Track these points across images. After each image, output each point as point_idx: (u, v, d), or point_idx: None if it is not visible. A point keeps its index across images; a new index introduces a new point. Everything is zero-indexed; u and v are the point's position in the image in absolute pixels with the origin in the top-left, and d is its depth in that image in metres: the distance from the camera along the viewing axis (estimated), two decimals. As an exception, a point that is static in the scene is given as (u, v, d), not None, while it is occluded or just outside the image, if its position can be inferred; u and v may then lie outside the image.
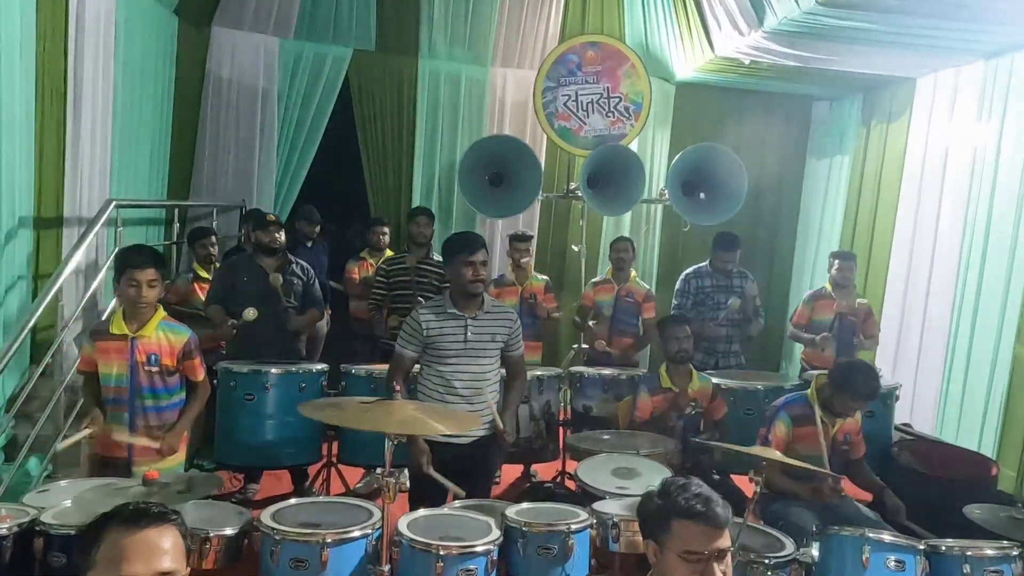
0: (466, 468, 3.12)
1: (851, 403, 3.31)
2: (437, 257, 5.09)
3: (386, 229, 5.95)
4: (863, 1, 4.55)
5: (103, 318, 3.31)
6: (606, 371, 4.68)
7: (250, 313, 4.12)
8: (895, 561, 2.53)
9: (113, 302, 4.15)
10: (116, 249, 4.78)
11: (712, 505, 1.74)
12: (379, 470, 2.38)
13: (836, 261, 5.24)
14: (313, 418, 2.41)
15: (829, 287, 5.22)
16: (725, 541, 1.74)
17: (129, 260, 3.12)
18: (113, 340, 3.12)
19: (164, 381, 3.19)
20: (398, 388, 2.42)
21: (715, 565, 1.70)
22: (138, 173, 5.46)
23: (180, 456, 3.30)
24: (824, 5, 4.56)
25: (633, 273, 5.38)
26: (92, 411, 3.12)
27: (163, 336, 3.19)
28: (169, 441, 3.15)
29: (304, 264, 4.61)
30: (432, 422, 2.37)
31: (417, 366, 3.30)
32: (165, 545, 1.42)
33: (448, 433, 2.62)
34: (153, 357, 3.15)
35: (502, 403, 3.34)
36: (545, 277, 5.56)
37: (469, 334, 3.13)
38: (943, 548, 2.59)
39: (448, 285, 4.85)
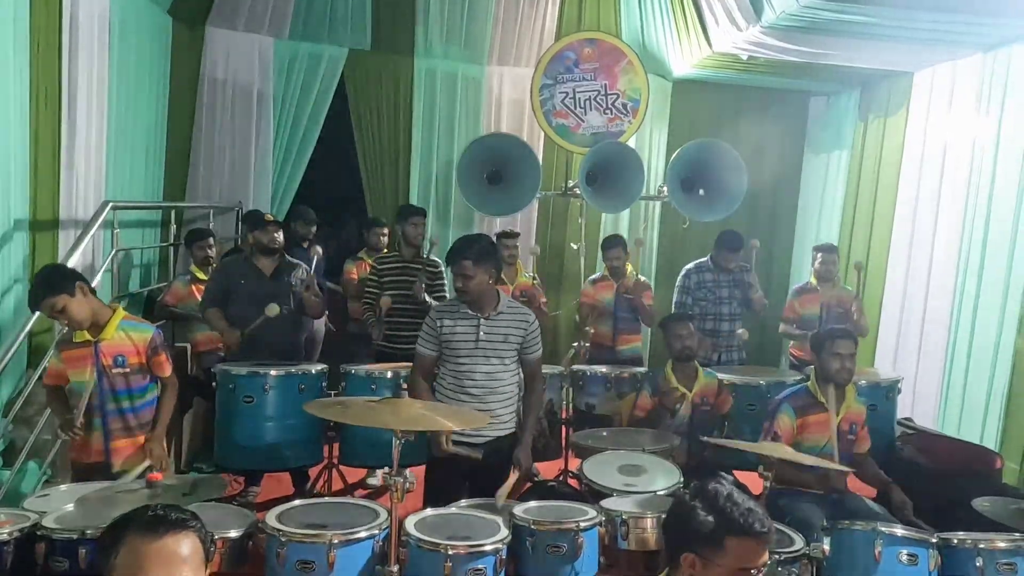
0: (481, 468, 3.09)
1: (836, 352, 3.31)
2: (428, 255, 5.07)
3: (385, 230, 5.92)
4: (861, -6, 4.55)
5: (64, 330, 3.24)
6: (608, 369, 4.66)
7: (273, 309, 4.10)
8: (907, 555, 2.52)
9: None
10: (113, 251, 4.78)
11: (766, 522, 1.70)
12: (386, 470, 2.33)
13: (819, 254, 5.27)
14: (319, 416, 2.37)
15: (814, 280, 5.24)
16: (768, 552, 1.73)
17: (29, 299, 3.04)
18: (77, 348, 3.07)
19: (135, 381, 3.15)
20: (404, 387, 2.41)
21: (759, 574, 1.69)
22: (133, 175, 5.42)
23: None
24: (822, -2, 4.56)
25: (629, 268, 5.37)
26: (65, 420, 3.05)
27: (125, 336, 3.13)
28: (155, 449, 3.11)
29: (301, 264, 4.57)
30: (439, 418, 2.34)
31: None
32: (184, 552, 1.39)
33: (456, 429, 2.59)
34: (120, 359, 3.11)
35: (522, 416, 3.32)
36: (532, 273, 5.55)
37: (481, 334, 3.13)
38: (955, 541, 2.57)
39: (439, 283, 4.90)
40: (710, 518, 1.71)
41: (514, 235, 5.59)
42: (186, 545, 1.39)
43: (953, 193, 5.68)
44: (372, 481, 4.80)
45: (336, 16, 6.55)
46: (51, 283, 2.98)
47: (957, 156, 5.67)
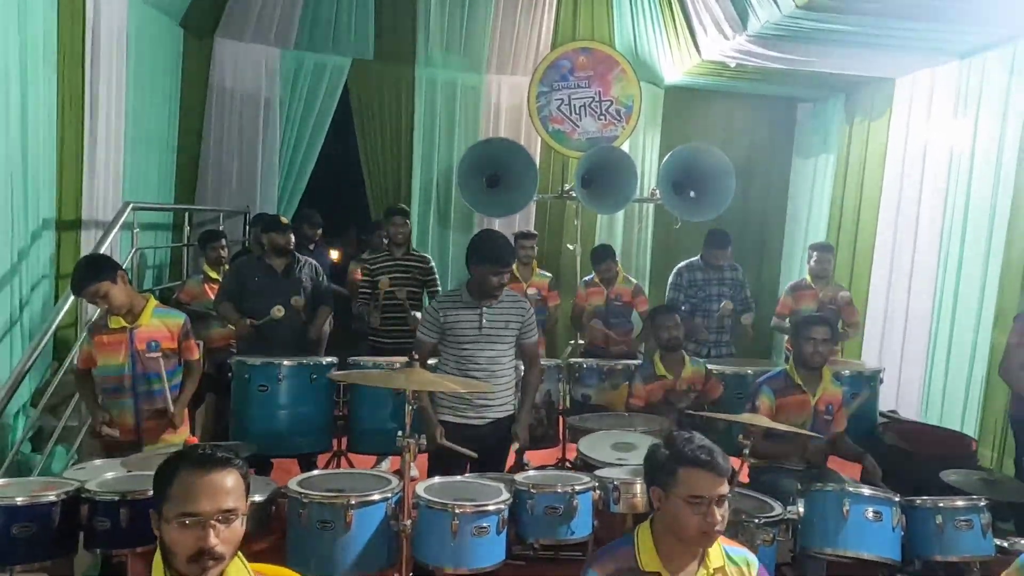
0: (482, 448, 3.27)
1: (811, 337, 3.52)
2: (418, 252, 5.31)
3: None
4: (841, 4, 4.76)
5: (96, 316, 3.48)
6: (603, 361, 4.89)
7: (277, 311, 4.34)
8: (873, 512, 2.75)
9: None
10: (133, 250, 5.01)
11: (715, 455, 1.93)
12: (400, 433, 2.56)
13: (814, 253, 5.46)
14: (341, 381, 2.59)
15: (809, 278, 5.45)
16: (725, 487, 1.93)
17: (72, 286, 3.31)
18: (112, 334, 3.30)
19: (166, 364, 3.37)
20: (416, 356, 2.63)
21: (715, 508, 1.89)
22: (148, 179, 5.67)
23: (184, 431, 3.50)
24: (804, 8, 4.78)
25: (620, 272, 5.60)
26: (95, 413, 3.29)
27: (160, 322, 3.38)
28: (178, 413, 3.37)
29: (312, 262, 4.81)
30: (449, 383, 2.57)
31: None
32: (228, 485, 1.60)
33: (464, 392, 2.80)
34: (153, 344, 3.34)
35: (520, 394, 3.54)
36: (549, 274, 5.76)
37: (484, 321, 3.32)
38: (918, 502, 2.80)
39: (431, 278, 5.13)
40: (666, 452, 1.99)
41: (532, 235, 5.77)
42: (230, 479, 1.61)
43: (933, 194, 5.90)
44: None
45: (340, 27, 6.81)
46: (94, 270, 3.23)
47: (936, 158, 5.90)
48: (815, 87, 7.03)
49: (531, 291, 5.45)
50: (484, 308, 3.34)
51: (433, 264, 5.22)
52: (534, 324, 3.50)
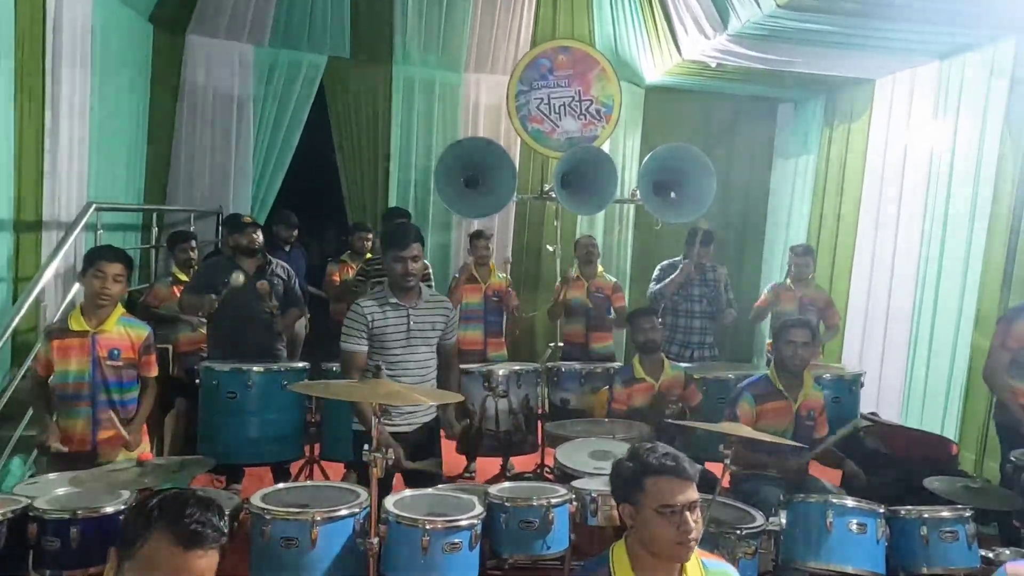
0: (413, 454, 3.12)
1: (790, 340, 3.47)
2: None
3: (370, 234, 6.03)
4: (822, 4, 4.73)
5: (56, 319, 3.34)
6: (582, 365, 4.80)
7: (238, 278, 4.19)
8: (857, 524, 2.68)
9: (70, 296, 4.19)
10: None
11: (680, 461, 1.86)
12: (366, 447, 2.44)
13: (794, 255, 5.44)
14: (303, 392, 2.48)
15: (789, 280, 5.42)
16: (694, 493, 1.85)
17: (100, 253, 3.22)
18: (73, 337, 3.16)
19: (126, 375, 3.25)
20: (382, 367, 2.52)
21: (687, 515, 1.81)
22: (115, 178, 5.51)
23: (144, 447, 3.34)
24: (784, 8, 4.74)
25: (600, 268, 5.52)
26: (47, 425, 3.15)
27: (124, 331, 3.25)
28: (135, 436, 3.24)
29: (284, 265, 4.67)
30: (417, 395, 2.47)
31: None
32: (202, 567, 1.40)
33: (430, 404, 2.69)
34: (115, 352, 3.21)
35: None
36: (505, 275, 5.66)
37: (412, 323, 3.16)
38: (903, 512, 2.74)
39: (428, 284, 5.02)
40: (631, 464, 1.91)
41: (487, 236, 5.70)
42: (206, 561, 1.41)
43: (913, 195, 5.89)
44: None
45: (315, 24, 6.67)
46: (130, 264, 3.23)
47: (917, 158, 5.89)
48: (796, 88, 7.00)
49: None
50: (411, 310, 3.17)
51: (431, 271, 5.08)
52: (456, 326, 3.41)
